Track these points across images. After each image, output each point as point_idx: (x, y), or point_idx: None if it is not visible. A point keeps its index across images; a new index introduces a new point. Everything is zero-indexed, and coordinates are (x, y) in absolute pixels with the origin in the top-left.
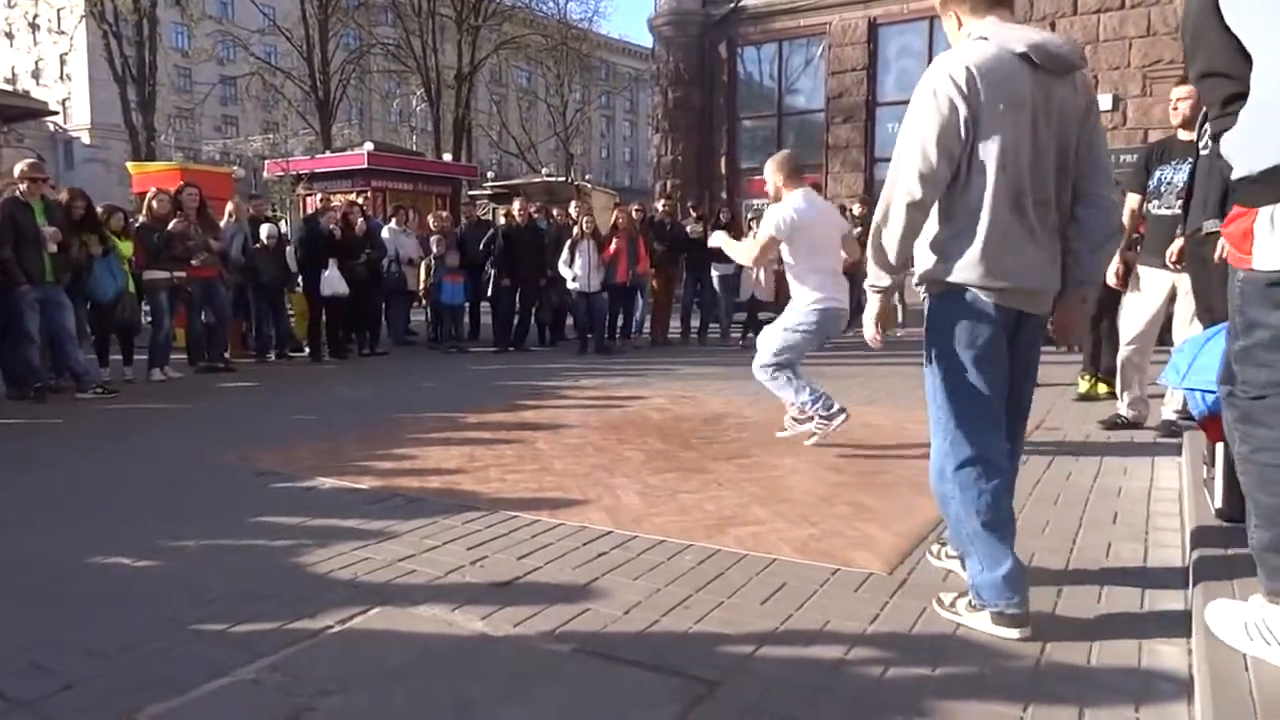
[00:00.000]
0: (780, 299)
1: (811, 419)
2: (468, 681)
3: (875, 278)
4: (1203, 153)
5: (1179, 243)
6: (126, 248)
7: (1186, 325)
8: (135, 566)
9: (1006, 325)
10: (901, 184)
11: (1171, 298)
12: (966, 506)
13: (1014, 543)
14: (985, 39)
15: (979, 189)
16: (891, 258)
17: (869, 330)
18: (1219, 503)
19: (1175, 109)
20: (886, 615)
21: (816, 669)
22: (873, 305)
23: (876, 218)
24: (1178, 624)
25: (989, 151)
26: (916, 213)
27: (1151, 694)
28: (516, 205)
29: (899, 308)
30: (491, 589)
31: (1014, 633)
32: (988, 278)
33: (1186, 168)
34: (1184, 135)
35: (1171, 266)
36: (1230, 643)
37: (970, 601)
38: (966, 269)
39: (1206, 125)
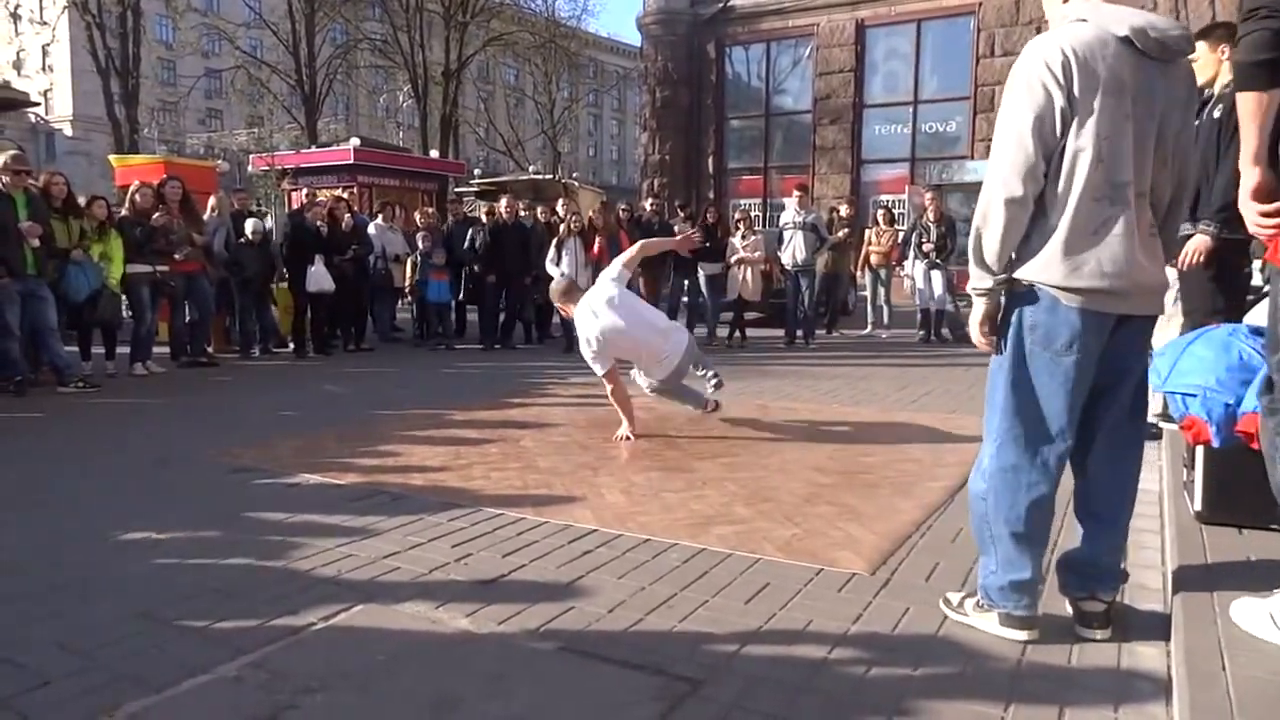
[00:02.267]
0: (765, 298)
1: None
2: (451, 679)
3: (977, 280)
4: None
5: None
6: (115, 247)
7: (1163, 327)
8: (114, 562)
9: (1097, 330)
10: (999, 180)
11: None
12: (997, 511)
13: (1041, 556)
14: (1084, 20)
15: (1070, 180)
16: (991, 258)
17: (975, 334)
18: (1198, 505)
19: None
20: (869, 615)
21: (799, 668)
22: (978, 309)
23: (976, 218)
24: (1157, 625)
25: (1085, 140)
26: (1017, 210)
27: (1131, 694)
28: (504, 202)
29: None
30: (476, 587)
31: (1021, 635)
32: (1069, 277)
33: None
34: None
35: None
36: (1258, 635)
37: (979, 601)
38: (1046, 267)
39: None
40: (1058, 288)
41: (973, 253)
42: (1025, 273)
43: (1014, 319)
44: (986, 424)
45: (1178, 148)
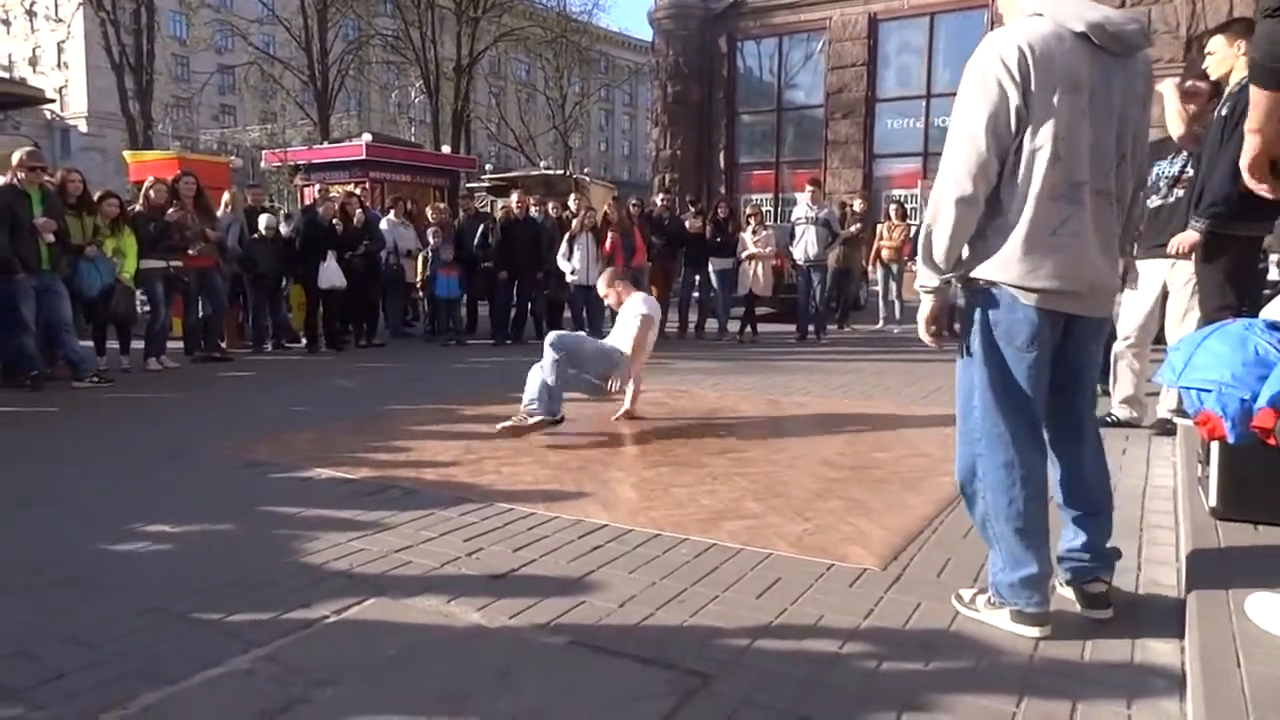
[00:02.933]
0: (777, 293)
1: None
2: (462, 673)
3: (924, 278)
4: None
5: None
6: (129, 244)
7: (1179, 322)
8: (128, 556)
9: (1050, 328)
10: (950, 178)
11: (1165, 294)
12: (996, 510)
13: (1045, 547)
14: (1040, 15)
15: (1026, 179)
16: (940, 257)
17: (923, 333)
18: (1213, 501)
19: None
20: (880, 610)
21: (811, 663)
22: (925, 306)
23: (927, 216)
24: (1171, 621)
25: (1041, 138)
26: (967, 209)
27: (1144, 690)
28: (515, 198)
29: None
30: (487, 581)
31: (1033, 631)
32: (1027, 277)
33: (1181, 159)
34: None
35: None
36: (1274, 631)
37: (989, 598)
38: (1004, 266)
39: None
40: (1016, 286)
41: (921, 250)
42: (984, 271)
43: (976, 317)
44: (962, 424)
45: (1136, 143)
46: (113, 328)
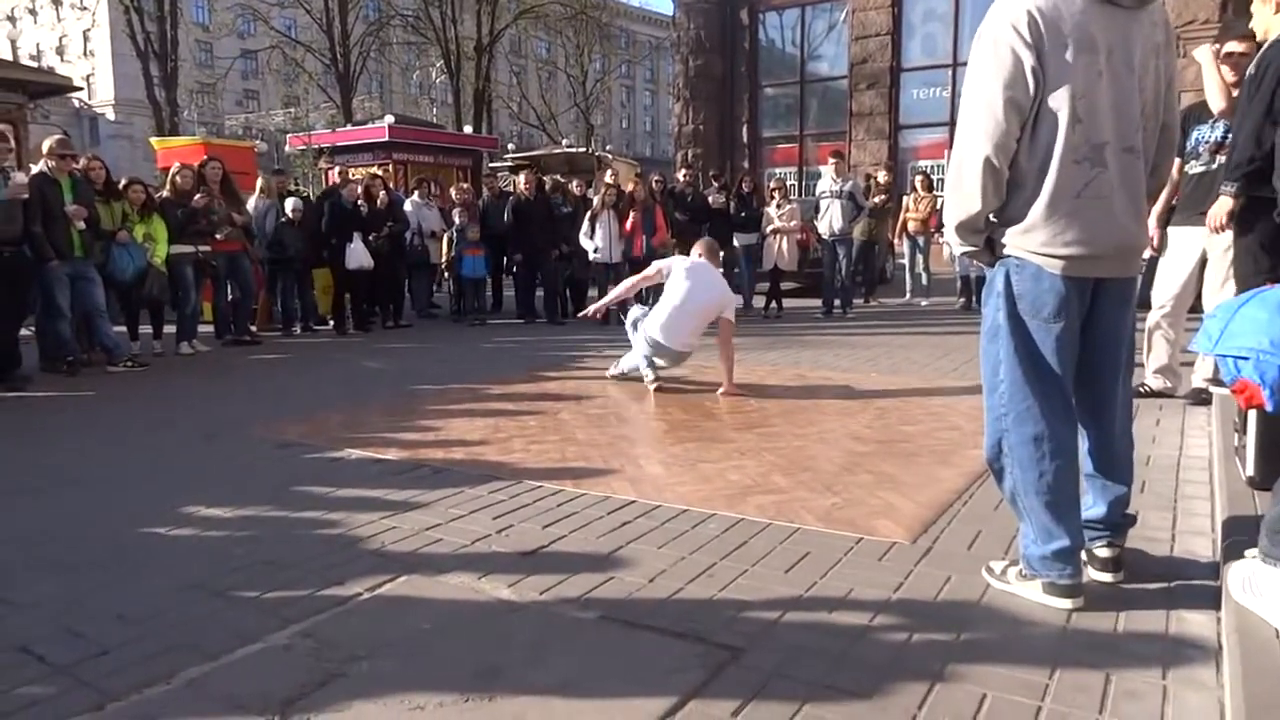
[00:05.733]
0: (802, 268)
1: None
2: (494, 648)
3: (960, 246)
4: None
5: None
6: (159, 229)
7: (1218, 290)
8: (167, 536)
9: (1078, 296)
10: (970, 147)
11: (1203, 262)
12: (1025, 484)
13: (1077, 519)
14: None
15: (1046, 144)
16: (969, 224)
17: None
18: (1250, 471)
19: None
20: (910, 584)
21: (840, 636)
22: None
23: (948, 186)
24: (1207, 593)
25: (1059, 102)
26: (989, 177)
27: (1179, 660)
28: (523, 178)
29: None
30: (517, 557)
31: (1065, 603)
32: (1051, 243)
33: (1223, 124)
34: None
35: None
36: (1234, 596)
37: (1021, 570)
38: (1028, 235)
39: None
40: (1041, 254)
41: (950, 220)
42: (1007, 241)
43: (1000, 290)
44: (989, 398)
45: (1158, 96)
46: (146, 312)
